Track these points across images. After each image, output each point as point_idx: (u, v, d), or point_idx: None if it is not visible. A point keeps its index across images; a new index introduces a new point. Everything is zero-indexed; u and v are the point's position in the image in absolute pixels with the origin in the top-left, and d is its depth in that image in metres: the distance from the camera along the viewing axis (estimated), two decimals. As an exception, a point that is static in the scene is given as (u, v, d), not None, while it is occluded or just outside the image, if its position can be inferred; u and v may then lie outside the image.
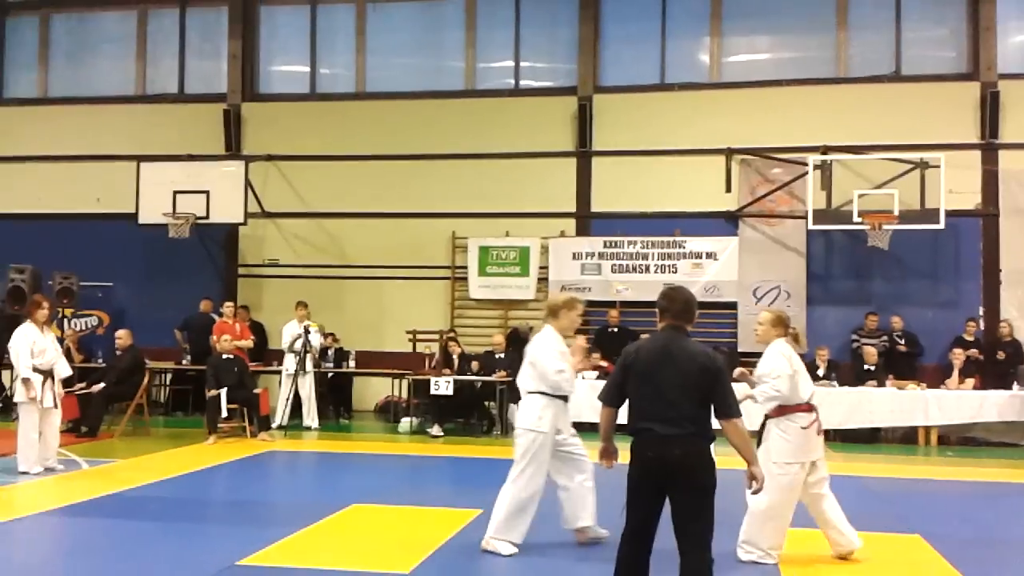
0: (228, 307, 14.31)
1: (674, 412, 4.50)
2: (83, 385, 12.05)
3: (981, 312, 14.46)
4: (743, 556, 6.07)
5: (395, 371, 14.45)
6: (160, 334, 15.17)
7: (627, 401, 4.76)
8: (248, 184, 15.25)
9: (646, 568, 4.64)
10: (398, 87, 16.49)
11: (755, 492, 4.77)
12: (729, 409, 4.55)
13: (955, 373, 13.27)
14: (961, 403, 12.80)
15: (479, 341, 14.65)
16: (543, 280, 15.61)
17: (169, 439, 12.13)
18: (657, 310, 4.81)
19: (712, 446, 4.59)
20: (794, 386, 6.07)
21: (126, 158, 15.92)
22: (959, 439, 13.14)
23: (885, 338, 14.08)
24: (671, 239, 15.15)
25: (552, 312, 6.55)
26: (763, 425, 6.24)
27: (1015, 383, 13.16)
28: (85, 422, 11.93)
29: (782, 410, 6.11)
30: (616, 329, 14.49)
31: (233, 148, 16.51)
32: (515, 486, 6.32)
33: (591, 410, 14.60)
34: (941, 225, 13.53)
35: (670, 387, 4.54)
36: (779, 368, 6.04)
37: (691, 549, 4.47)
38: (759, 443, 6.19)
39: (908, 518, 6.89)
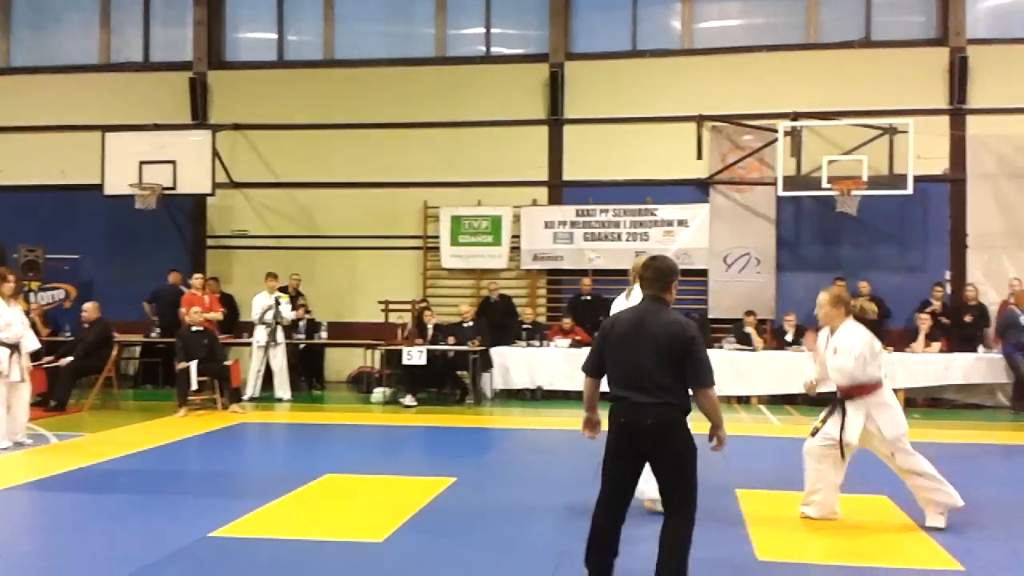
0: (197, 279, 14.15)
1: (648, 381, 4.53)
2: (51, 359, 11.93)
3: (948, 276, 14.61)
4: (937, 521, 6.12)
5: (367, 342, 14.41)
6: (128, 307, 15.01)
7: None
8: (215, 154, 15.05)
9: (617, 536, 4.70)
10: (367, 54, 16.29)
11: (714, 449, 4.72)
12: (700, 379, 4.56)
13: (921, 336, 13.43)
14: (927, 366, 13.03)
15: (452, 311, 14.63)
16: (515, 249, 15.58)
17: (139, 412, 12.06)
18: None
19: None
20: (876, 365, 6.13)
21: (91, 128, 15.65)
22: (925, 401, 13.36)
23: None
24: (643, 207, 15.15)
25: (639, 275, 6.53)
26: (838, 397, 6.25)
27: (980, 346, 13.38)
28: (53, 396, 11.83)
29: (866, 389, 6.13)
30: (589, 298, 14.49)
31: (200, 117, 16.27)
32: None
33: (564, 378, 14.53)
34: (909, 191, 13.61)
35: (643, 356, 4.56)
36: (860, 347, 6.08)
37: (671, 514, 4.59)
38: (835, 414, 6.21)
39: (875, 479, 6.98)
